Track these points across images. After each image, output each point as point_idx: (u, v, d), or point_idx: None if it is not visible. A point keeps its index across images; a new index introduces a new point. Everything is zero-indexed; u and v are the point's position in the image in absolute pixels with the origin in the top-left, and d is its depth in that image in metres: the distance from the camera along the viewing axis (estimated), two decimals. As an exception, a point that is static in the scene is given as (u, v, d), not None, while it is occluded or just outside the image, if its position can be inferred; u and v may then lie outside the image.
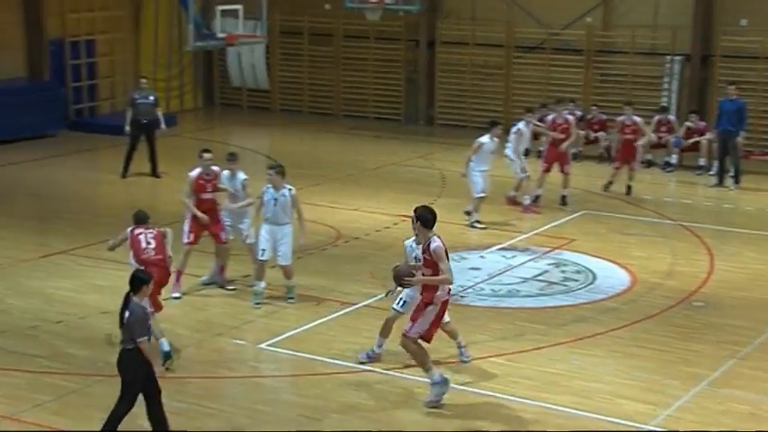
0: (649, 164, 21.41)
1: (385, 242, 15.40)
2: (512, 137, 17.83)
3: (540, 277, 14.10)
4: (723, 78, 21.79)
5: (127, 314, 8.84)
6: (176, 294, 12.80)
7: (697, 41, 22.90)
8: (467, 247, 15.21)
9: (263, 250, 12.65)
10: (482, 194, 16.36)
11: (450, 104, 25.70)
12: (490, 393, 10.30)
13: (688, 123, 21.29)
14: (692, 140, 21.02)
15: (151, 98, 19.78)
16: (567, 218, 17.19)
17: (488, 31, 24.67)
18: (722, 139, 19.91)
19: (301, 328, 12.07)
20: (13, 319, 12.17)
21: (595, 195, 18.94)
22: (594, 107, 22.58)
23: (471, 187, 16.38)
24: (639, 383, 10.60)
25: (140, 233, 11.34)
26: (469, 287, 13.65)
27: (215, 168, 13.32)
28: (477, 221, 16.35)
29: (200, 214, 12.95)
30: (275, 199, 12.63)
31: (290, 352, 11.37)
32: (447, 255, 9.88)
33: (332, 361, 11.05)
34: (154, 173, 19.74)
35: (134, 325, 8.76)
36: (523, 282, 13.95)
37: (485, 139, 16.45)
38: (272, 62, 26.88)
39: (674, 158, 21.34)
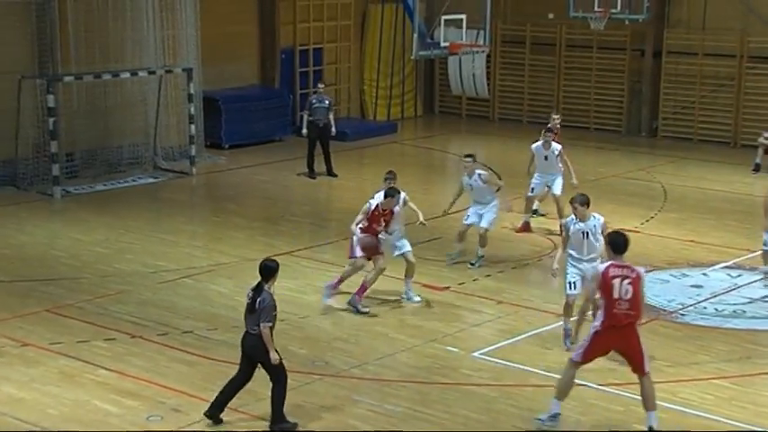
0: None
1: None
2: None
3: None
4: None
5: (259, 300, 9.41)
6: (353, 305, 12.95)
7: None
8: (689, 263, 14.67)
9: (468, 216, 14.68)
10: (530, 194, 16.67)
11: (676, 116, 24.89)
12: (711, 416, 9.89)
13: None
14: None
15: (326, 102, 20.35)
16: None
17: (719, 41, 23.74)
18: None
19: (515, 339, 12.01)
20: (241, 316, 12.66)
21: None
22: (834, 121, 21.29)
23: None
24: None
25: None
26: (691, 305, 13.16)
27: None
28: None
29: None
30: (470, 185, 14.63)
31: (504, 362, 11.34)
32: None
33: (546, 373, 10.93)
34: (330, 173, 20.27)
35: (264, 311, 9.39)
36: (750, 302, 13.31)
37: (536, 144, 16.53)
38: (492, 71, 26.92)
39: None
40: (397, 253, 13.35)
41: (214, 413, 9.71)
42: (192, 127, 20.81)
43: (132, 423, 9.79)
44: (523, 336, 12.11)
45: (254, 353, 9.56)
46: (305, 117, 20.43)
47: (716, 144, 23.78)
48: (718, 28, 23.86)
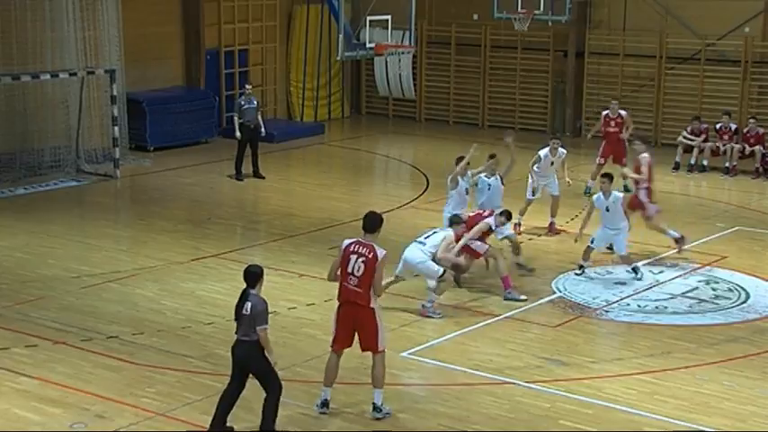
0: (808, 179, 20.57)
1: (529, 254, 15.23)
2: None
3: (689, 294, 13.71)
4: None
5: (248, 306, 9.22)
6: None
7: None
8: (614, 261, 14.90)
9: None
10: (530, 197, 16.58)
11: (598, 116, 25.26)
12: (635, 411, 10.07)
13: None
14: None
15: (255, 103, 20.34)
16: (719, 234, 16.64)
17: (639, 42, 24.18)
18: None
19: (443, 338, 12.08)
20: (167, 320, 12.61)
21: (749, 211, 18.30)
22: (752, 120, 21.84)
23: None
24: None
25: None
26: (615, 302, 13.38)
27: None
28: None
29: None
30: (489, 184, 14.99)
31: (432, 361, 11.40)
32: None
33: (474, 372, 11.02)
34: (257, 175, 20.20)
35: (259, 315, 9.18)
36: (672, 298, 13.59)
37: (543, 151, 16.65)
38: (418, 72, 27.04)
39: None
40: (500, 237, 14.16)
41: (219, 429, 9.40)
42: (116, 129, 20.50)
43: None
44: (452, 335, 12.19)
45: (247, 362, 9.31)
46: (236, 119, 20.28)
47: (631, 142, 24.13)
48: (638, 29, 24.30)
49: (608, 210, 14.26)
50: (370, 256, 9.73)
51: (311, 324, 12.44)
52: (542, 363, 11.30)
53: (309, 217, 17.51)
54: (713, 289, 13.93)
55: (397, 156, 24.21)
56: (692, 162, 21.55)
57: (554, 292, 13.66)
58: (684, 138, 21.77)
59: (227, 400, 9.40)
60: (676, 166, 21.47)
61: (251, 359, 9.25)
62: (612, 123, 19.65)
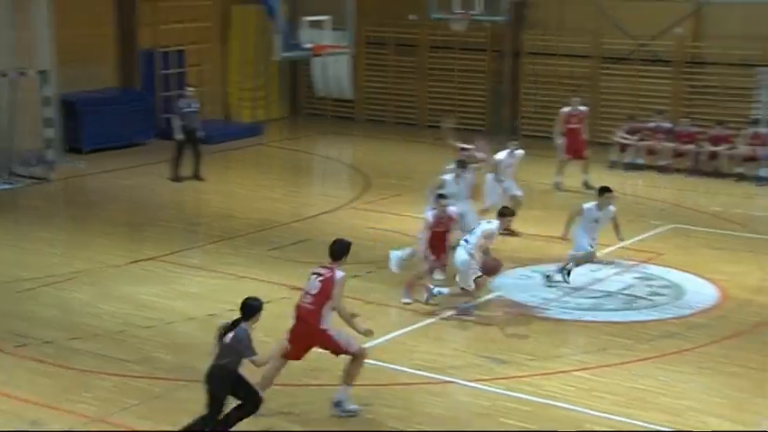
0: (740, 177, 20.97)
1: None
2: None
3: (625, 291, 13.90)
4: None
5: (230, 336, 9.04)
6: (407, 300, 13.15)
7: (791, 52, 22.37)
8: (551, 259, 15.04)
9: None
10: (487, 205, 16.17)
11: (536, 116, 25.51)
12: (573, 408, 10.18)
13: (781, 136, 20.82)
14: (784, 153, 20.55)
15: (195, 105, 20.22)
16: (655, 231, 16.90)
17: (575, 42, 24.45)
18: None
19: (384, 338, 12.08)
20: (103, 323, 12.44)
21: (684, 209, 18.61)
22: (685, 119, 22.22)
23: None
24: (730, 402, 10.36)
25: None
26: (553, 300, 13.51)
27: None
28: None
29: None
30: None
31: (374, 362, 11.38)
32: None
33: (415, 371, 11.04)
34: (197, 177, 20.07)
35: (244, 349, 8.99)
36: (608, 295, 13.76)
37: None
38: (357, 72, 27.04)
39: (766, 172, 20.86)
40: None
41: None
42: (50, 131, 20.19)
43: (-11, 439, 9.45)
44: (393, 335, 12.20)
45: (209, 381, 9.05)
46: (176, 122, 20.06)
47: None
48: (573, 29, 24.58)
49: (597, 221, 14.18)
50: (327, 276, 9.80)
51: (251, 326, 12.35)
52: (483, 361, 11.37)
53: (249, 218, 17.42)
54: (649, 286, 14.13)
55: (336, 156, 24.19)
56: (628, 161, 21.87)
57: (493, 292, 13.73)
58: (621, 137, 22.08)
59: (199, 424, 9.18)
60: (613, 165, 21.75)
61: (211, 378, 9.09)
62: (574, 120, 20.01)
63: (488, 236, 12.61)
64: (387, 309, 13.00)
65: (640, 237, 16.44)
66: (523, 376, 10.88)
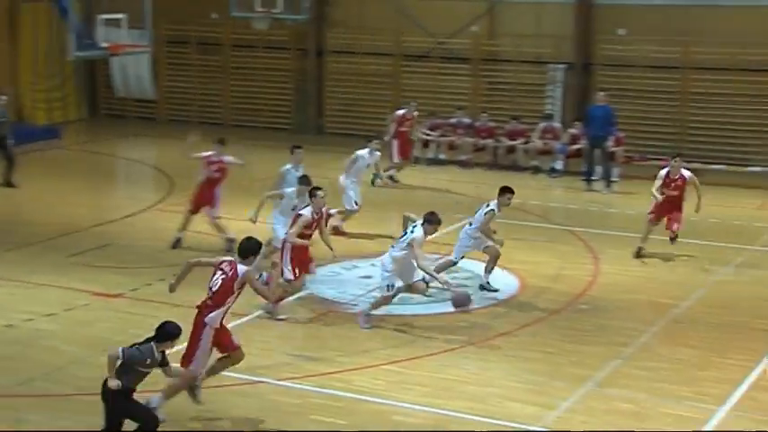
0: (536, 170, 21.87)
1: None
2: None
3: (431, 284, 14.19)
4: (604, 86, 22.40)
5: (134, 349, 8.74)
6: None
7: (578, 50, 23.49)
8: (359, 255, 15.23)
9: None
10: (355, 207, 16.46)
11: (340, 113, 25.75)
12: (384, 401, 10.33)
13: (572, 130, 21.83)
14: (576, 147, 21.55)
15: (3, 112, 19.54)
16: (456, 225, 17.35)
17: (376, 40, 24.82)
18: (592, 143, 20.65)
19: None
20: None
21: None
22: (484, 114, 22.96)
23: (345, 200, 16.44)
24: (529, 386, 10.78)
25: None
26: (361, 295, 13.67)
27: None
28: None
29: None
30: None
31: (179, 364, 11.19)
32: None
33: (223, 373, 10.89)
34: (8, 183, 19.36)
35: (132, 359, 8.70)
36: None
37: (362, 152, 16.60)
38: (158, 72, 26.50)
39: (559, 164, 21.84)
40: None
41: None
42: None
43: None
44: (200, 338, 12.00)
45: (103, 398, 8.77)
46: None
47: (379, 139, 24.78)
48: (375, 28, 24.95)
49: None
50: (230, 274, 9.66)
51: (51, 335, 11.92)
52: (292, 360, 11.39)
53: (48, 224, 16.77)
54: (453, 278, 14.46)
55: (139, 158, 23.63)
56: (430, 156, 22.42)
57: (305, 290, 13.74)
58: (423, 133, 22.58)
59: None
60: (416, 161, 22.22)
61: (104, 396, 8.78)
62: (407, 123, 20.66)
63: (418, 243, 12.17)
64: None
65: (445, 230, 16.82)
66: (333, 372, 10.95)
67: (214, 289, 9.78)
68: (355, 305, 13.30)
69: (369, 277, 14.41)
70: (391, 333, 12.33)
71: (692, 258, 15.53)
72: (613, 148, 20.97)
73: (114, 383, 8.61)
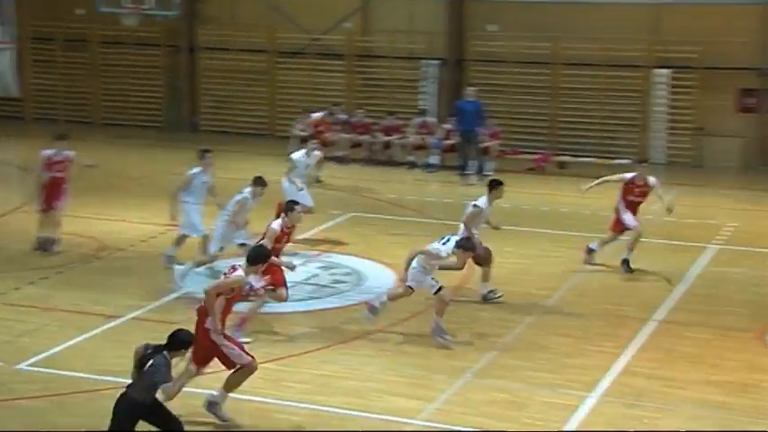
0: (412, 165, 22.06)
1: (151, 252, 15.03)
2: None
3: (309, 281, 14.18)
4: (477, 82, 22.75)
5: (149, 365, 8.55)
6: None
7: (451, 46, 23.79)
8: (235, 255, 15.05)
9: None
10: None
11: (215, 111, 25.45)
12: (262, 399, 10.25)
13: (447, 125, 22.09)
14: (451, 142, 21.82)
15: None
16: (335, 221, 17.40)
17: (251, 37, 24.61)
18: (464, 138, 21.00)
19: (64, 346, 11.58)
20: None
21: (361, 198, 19.28)
22: (360, 110, 23.02)
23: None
24: (408, 380, 10.85)
25: None
26: (239, 294, 13.52)
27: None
28: None
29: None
30: None
31: (53, 371, 10.89)
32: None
33: (97, 377, 10.66)
34: None
35: (154, 378, 8.55)
36: (293, 286, 13.92)
37: (298, 155, 16.19)
38: (24, 69, 25.68)
39: (435, 159, 22.08)
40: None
41: None
42: None
43: None
44: (73, 341, 11.72)
45: (114, 409, 8.55)
46: None
47: (254, 136, 24.67)
48: (248, 24, 24.74)
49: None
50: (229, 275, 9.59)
51: None
52: (174, 361, 11.16)
53: None
54: (332, 274, 14.51)
55: (3, 158, 22.83)
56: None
57: (180, 289, 13.55)
58: (300, 130, 22.50)
59: None
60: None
61: (116, 407, 8.58)
62: (324, 126, 21.05)
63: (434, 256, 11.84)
64: (65, 315, 12.46)
65: (321, 227, 16.86)
66: (212, 372, 10.78)
67: None
68: (233, 304, 13.14)
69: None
70: (270, 331, 12.24)
71: (566, 250, 15.91)
72: (488, 143, 21.34)
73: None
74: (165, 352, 8.69)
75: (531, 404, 10.28)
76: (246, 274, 9.83)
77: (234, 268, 9.81)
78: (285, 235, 12.18)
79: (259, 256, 9.99)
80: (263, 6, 24.53)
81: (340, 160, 22.11)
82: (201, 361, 9.74)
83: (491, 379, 10.91)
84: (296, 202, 12.47)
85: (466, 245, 11.87)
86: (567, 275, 14.67)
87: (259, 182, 13.71)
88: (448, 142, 21.86)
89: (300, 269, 14.51)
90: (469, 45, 23.76)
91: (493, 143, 21.48)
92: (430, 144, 22.07)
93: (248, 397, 10.30)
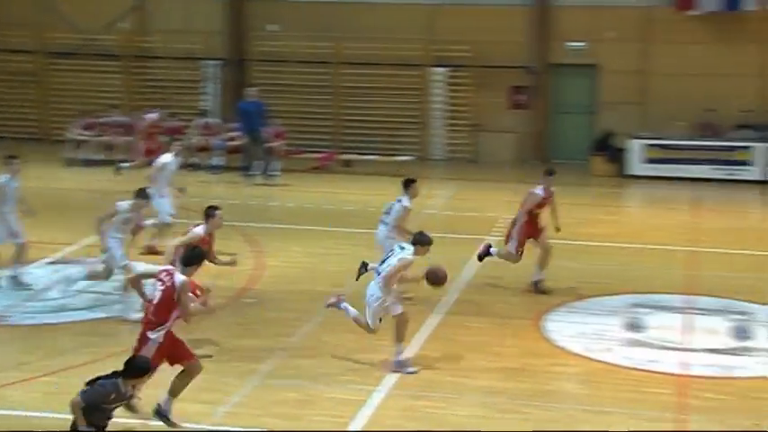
0: (195, 167, 21.72)
1: None
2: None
3: (91, 289, 13.69)
4: (259, 82, 22.67)
5: (98, 383, 8.36)
6: None
7: (231, 46, 23.61)
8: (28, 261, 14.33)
9: None
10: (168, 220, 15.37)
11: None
12: (39, 414, 9.80)
13: (230, 126, 21.91)
14: (235, 143, 21.66)
15: None
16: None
17: (17, 36, 23.52)
18: (249, 137, 20.99)
19: None
20: None
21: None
22: (139, 113, 22.47)
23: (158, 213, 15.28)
24: (197, 384, 10.61)
25: None
26: (13, 306, 12.91)
27: None
28: None
29: None
30: None
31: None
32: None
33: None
34: None
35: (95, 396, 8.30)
36: (76, 295, 13.45)
37: (167, 158, 15.63)
38: None
39: (219, 161, 21.85)
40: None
41: None
42: None
43: None
44: None
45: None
46: None
47: (27, 141, 23.60)
48: (15, 23, 23.67)
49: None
50: (168, 284, 8.94)
51: None
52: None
53: None
54: (112, 281, 14.03)
55: None
56: (86, 157, 21.62)
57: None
58: (76, 133, 21.74)
59: None
60: (70, 162, 21.35)
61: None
62: (154, 128, 20.61)
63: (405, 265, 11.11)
64: None
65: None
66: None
67: (155, 302, 9.13)
68: (8, 316, 12.54)
69: (28, 287, 13.61)
70: (48, 343, 11.75)
71: (350, 247, 16.09)
72: (274, 143, 21.32)
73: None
74: (118, 379, 8.41)
75: (321, 401, 10.32)
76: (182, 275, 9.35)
77: (169, 273, 9.29)
78: (207, 241, 11.63)
79: (195, 257, 9.55)
80: (32, 4, 23.49)
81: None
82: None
83: (281, 379, 10.88)
84: (216, 207, 11.97)
85: (421, 239, 11.36)
86: (352, 273, 14.81)
87: (141, 194, 13.02)
88: (232, 143, 21.66)
89: (79, 277, 14.06)
90: (251, 45, 23.66)
91: (278, 143, 21.47)
92: (213, 145, 21.80)
93: (23, 412, 9.84)
